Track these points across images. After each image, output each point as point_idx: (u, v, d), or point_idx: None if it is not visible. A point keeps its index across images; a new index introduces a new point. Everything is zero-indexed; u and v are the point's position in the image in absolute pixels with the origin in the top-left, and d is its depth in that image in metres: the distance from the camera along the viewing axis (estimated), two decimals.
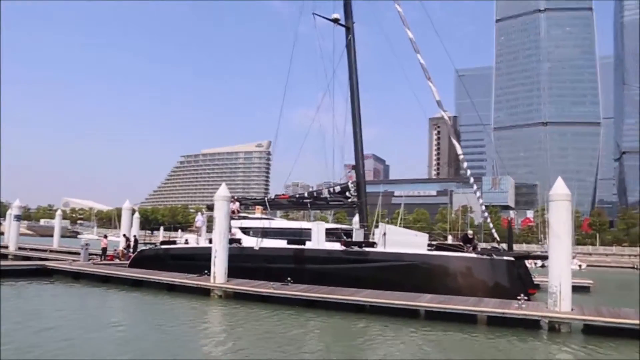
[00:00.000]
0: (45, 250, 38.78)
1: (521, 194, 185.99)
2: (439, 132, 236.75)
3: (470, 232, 23.09)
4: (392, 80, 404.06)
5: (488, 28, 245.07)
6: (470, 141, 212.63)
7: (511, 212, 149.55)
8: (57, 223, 48.87)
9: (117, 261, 29.42)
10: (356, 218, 27.21)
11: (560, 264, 14.91)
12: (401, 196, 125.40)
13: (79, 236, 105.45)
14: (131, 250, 31.59)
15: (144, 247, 29.73)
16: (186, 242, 27.15)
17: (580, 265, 55.90)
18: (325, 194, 24.55)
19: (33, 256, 32.49)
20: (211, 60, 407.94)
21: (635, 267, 66.75)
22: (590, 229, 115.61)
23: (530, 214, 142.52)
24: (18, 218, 37.84)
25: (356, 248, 20.56)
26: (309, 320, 15.48)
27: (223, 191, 20.38)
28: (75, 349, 10.91)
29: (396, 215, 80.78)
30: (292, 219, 40.53)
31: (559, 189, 15.27)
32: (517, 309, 14.85)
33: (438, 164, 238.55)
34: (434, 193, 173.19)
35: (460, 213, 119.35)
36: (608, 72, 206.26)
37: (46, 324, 13.58)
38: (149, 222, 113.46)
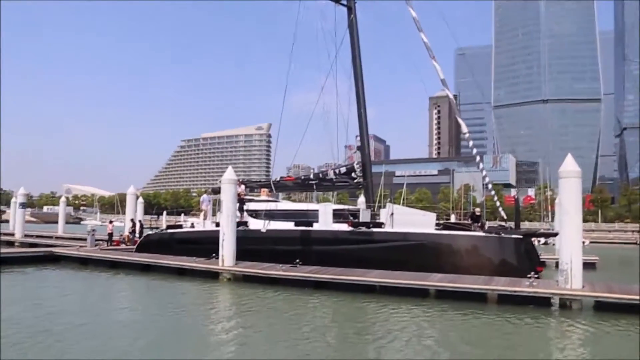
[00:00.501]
0: (50, 237, 38.91)
1: (522, 171, 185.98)
2: (439, 112, 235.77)
3: (477, 210, 23.05)
4: (389, 61, 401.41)
5: (486, 6, 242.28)
6: (470, 120, 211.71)
7: (512, 190, 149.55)
8: (61, 210, 48.97)
9: (123, 246, 29.47)
10: (362, 198, 27.19)
11: (571, 241, 14.88)
12: (403, 176, 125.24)
13: (82, 222, 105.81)
14: (137, 235, 31.65)
15: (149, 232, 29.73)
16: (192, 226, 27.11)
17: (583, 242, 55.93)
18: (331, 175, 24.47)
19: (39, 243, 32.55)
20: (209, 45, 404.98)
21: (637, 242, 66.88)
22: (592, 206, 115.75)
23: (531, 191, 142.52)
24: (23, 205, 37.88)
25: (364, 229, 20.53)
26: (319, 301, 15.53)
27: (230, 174, 20.32)
28: (87, 333, 10.95)
29: (398, 195, 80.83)
30: (294, 201, 40.47)
31: (569, 165, 15.18)
32: (527, 286, 14.86)
33: (439, 143, 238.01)
34: (435, 172, 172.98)
35: (462, 192, 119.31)
36: (608, 47, 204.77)
37: (57, 309, 13.65)
38: (151, 206, 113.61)
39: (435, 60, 23.07)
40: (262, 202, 25.14)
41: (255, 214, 23.83)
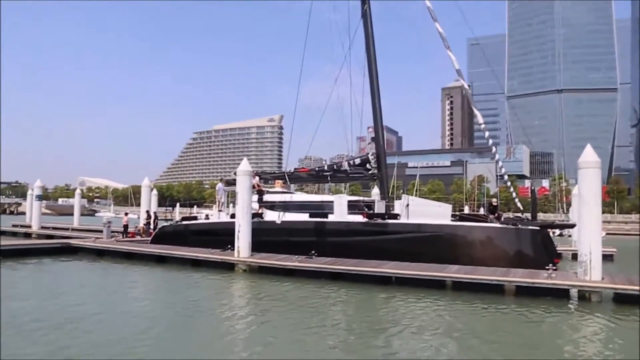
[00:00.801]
0: (66, 229, 39.31)
1: (536, 162, 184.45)
2: (451, 102, 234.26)
3: (494, 200, 22.86)
4: (399, 51, 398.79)
5: None
6: (483, 110, 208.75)
7: (526, 181, 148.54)
8: (76, 202, 49.47)
9: (138, 238, 29.68)
10: (376, 190, 27.08)
11: (591, 232, 14.69)
12: (415, 167, 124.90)
13: (96, 214, 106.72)
14: (151, 226, 31.87)
15: (164, 224, 29.89)
16: (207, 217, 27.21)
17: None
18: (346, 166, 24.37)
19: (56, 234, 32.90)
20: (220, 37, 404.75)
21: None
22: (608, 197, 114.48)
23: (545, 182, 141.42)
24: (39, 198, 38.24)
25: (379, 220, 20.46)
26: (335, 292, 15.50)
27: (245, 166, 20.33)
28: (106, 322, 11.04)
29: (411, 186, 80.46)
30: (307, 193, 40.39)
31: (589, 156, 14.96)
32: (546, 278, 14.73)
33: (451, 134, 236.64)
34: (448, 164, 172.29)
35: (475, 183, 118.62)
36: (625, 36, 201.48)
37: (77, 299, 13.77)
38: (164, 198, 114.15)
39: (450, 50, 22.83)
40: (276, 193, 25.15)
41: (270, 205, 23.85)
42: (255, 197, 23.30)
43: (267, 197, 24.46)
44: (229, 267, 19.40)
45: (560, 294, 14.32)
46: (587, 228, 14.82)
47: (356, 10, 25.64)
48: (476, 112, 23.33)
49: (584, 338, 10.71)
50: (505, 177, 22.99)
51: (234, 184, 21.74)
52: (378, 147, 24.23)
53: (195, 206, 66.96)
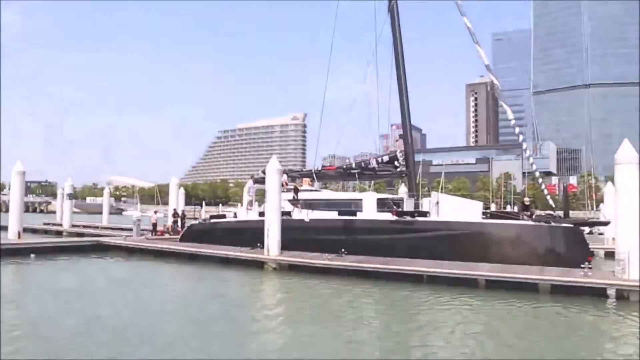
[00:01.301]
0: (96, 227, 39.96)
1: (563, 159, 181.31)
2: (476, 99, 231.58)
3: (527, 199, 22.51)
4: (422, 48, 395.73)
5: None
6: (508, 106, 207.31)
7: (553, 178, 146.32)
8: (105, 201, 50.22)
9: (167, 236, 30.00)
10: (403, 187, 26.91)
11: (629, 230, 14.32)
12: (440, 165, 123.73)
13: (123, 213, 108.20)
14: (179, 225, 32.15)
15: (193, 222, 30.15)
16: (234, 215, 27.36)
17: None
18: (373, 164, 24.26)
19: (86, 232, 33.48)
20: (243, 35, 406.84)
21: None
22: None
23: (573, 179, 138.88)
24: (70, 197, 38.91)
25: (408, 218, 20.30)
26: (365, 291, 15.46)
27: (274, 164, 20.35)
28: (146, 318, 11.19)
29: (436, 184, 79.82)
30: (332, 191, 40.16)
31: (626, 151, 14.62)
32: (582, 277, 14.44)
33: (476, 131, 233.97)
34: (473, 161, 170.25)
35: (502, 181, 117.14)
36: None
37: (115, 296, 14.00)
38: (189, 197, 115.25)
39: (479, 45, 22.53)
40: (304, 191, 25.13)
41: (303, 203, 23.84)
42: (289, 196, 23.27)
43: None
44: (259, 265, 19.49)
45: (597, 293, 14.03)
46: (625, 225, 14.46)
47: (382, 7, 25.51)
48: (506, 107, 23.03)
49: (624, 338, 10.48)
50: (537, 173, 22.61)
51: (263, 182, 21.80)
52: (406, 145, 24.06)
53: (220, 205, 67.55)
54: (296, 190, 24.01)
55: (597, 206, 60.64)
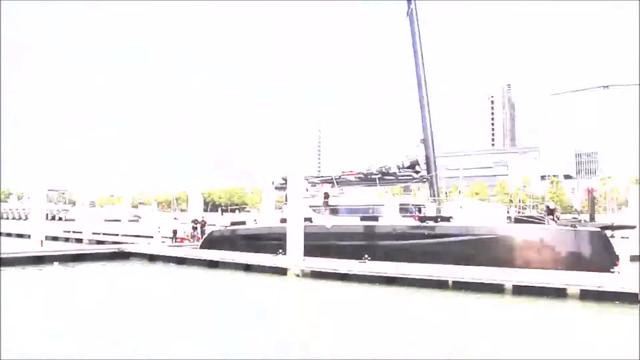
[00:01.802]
0: (116, 234, 40.14)
1: (581, 162, 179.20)
2: (492, 102, 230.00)
3: (551, 203, 22.22)
4: (438, 51, 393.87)
5: None
6: (526, 109, 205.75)
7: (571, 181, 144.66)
8: (124, 208, 50.67)
9: (187, 243, 30.07)
10: (423, 192, 26.68)
11: None
12: (457, 169, 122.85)
13: (141, 220, 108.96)
14: (198, 232, 32.19)
15: (213, 229, 30.17)
16: (255, 222, 27.30)
17: None
18: (394, 169, 24.12)
19: (106, 240, 33.64)
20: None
21: None
22: None
23: (593, 182, 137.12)
24: (91, 204, 39.26)
25: (431, 223, 20.12)
26: (390, 297, 15.34)
27: (296, 169, 20.30)
28: (177, 324, 11.19)
29: (453, 188, 79.18)
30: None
31: None
32: (613, 282, 14.13)
33: (493, 134, 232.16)
34: (490, 165, 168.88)
35: (520, 184, 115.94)
36: None
37: (143, 301, 14.06)
38: (205, 204, 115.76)
39: (499, 48, 22.36)
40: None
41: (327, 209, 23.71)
42: (309, 202, 23.12)
43: (313, 202, 24.36)
44: (281, 272, 19.35)
45: (628, 298, 13.66)
46: None
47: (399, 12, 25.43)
48: (524, 111, 22.73)
49: None
50: (559, 176, 22.29)
51: (283, 188, 21.76)
52: (427, 149, 23.89)
53: (237, 211, 67.46)
54: (326, 196, 23.76)
55: (619, 209, 59.83)
